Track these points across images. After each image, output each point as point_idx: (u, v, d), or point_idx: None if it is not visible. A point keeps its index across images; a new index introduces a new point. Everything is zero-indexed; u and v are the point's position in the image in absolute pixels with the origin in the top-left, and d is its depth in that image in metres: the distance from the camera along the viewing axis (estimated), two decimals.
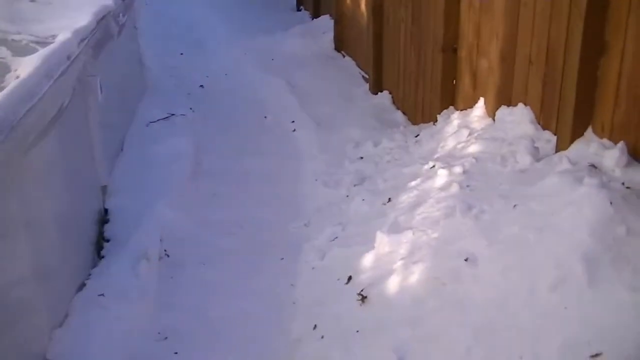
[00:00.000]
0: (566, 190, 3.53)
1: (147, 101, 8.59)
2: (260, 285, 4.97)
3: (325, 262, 4.67)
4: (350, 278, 4.20)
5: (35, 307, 3.80)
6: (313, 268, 4.73)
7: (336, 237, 4.92)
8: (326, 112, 7.99)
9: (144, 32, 10.13)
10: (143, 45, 9.68)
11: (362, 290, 3.98)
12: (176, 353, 4.25)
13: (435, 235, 3.88)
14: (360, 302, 3.94)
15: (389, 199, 4.96)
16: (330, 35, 10.94)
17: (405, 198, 4.65)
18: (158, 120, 7.81)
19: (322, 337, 4.04)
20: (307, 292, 4.55)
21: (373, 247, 4.20)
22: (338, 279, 4.27)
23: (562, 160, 3.95)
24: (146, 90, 9.02)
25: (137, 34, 9.22)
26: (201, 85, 9.60)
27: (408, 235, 4.02)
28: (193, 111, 8.35)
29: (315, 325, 4.17)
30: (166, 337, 4.38)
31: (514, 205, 3.70)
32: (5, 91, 3.56)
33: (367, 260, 4.20)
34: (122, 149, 6.90)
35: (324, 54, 10.63)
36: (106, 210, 5.72)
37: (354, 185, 5.86)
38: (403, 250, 3.93)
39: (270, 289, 4.88)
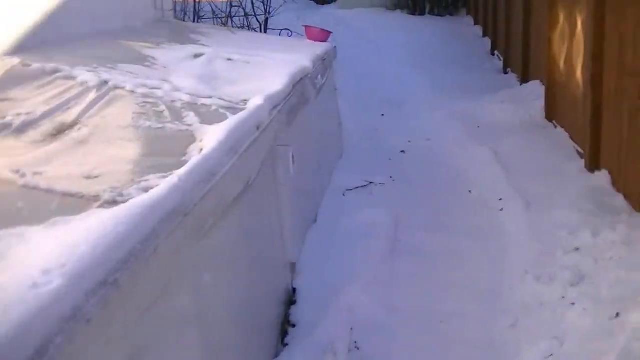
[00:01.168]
0: None
1: (345, 166, 8.24)
2: None
3: None
4: None
5: None
6: None
7: (551, 355, 4.19)
8: (536, 189, 7.21)
9: (342, 92, 9.84)
10: (340, 105, 9.37)
11: None
12: None
13: None
14: None
15: (617, 313, 4.17)
16: (540, 103, 10.17)
17: (638, 317, 3.85)
18: (355, 188, 7.40)
19: None
20: None
21: None
22: None
23: None
24: (343, 153, 8.67)
25: (336, 95, 8.90)
26: (402, 151, 9.13)
27: None
28: (393, 180, 7.86)
29: None
30: None
31: None
32: (182, 170, 3.16)
33: None
34: (315, 220, 6.49)
35: (534, 122, 9.89)
36: (294, 290, 5.28)
37: (571, 286, 5.08)
38: None
39: None
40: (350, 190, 7.38)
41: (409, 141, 9.52)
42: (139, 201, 2.78)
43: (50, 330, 2.06)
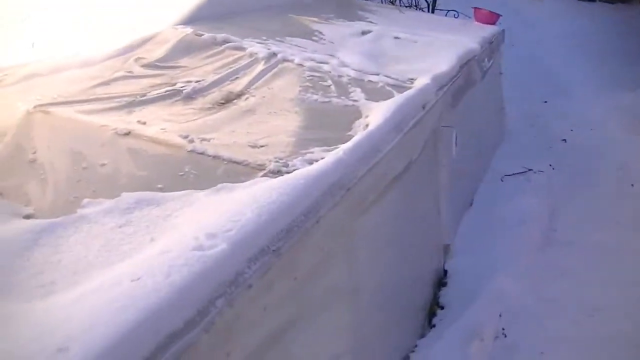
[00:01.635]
0: None
1: (504, 151, 8.03)
2: None
3: None
4: None
5: None
6: None
7: None
8: None
9: (506, 76, 9.59)
10: (504, 90, 9.15)
11: None
12: None
13: None
14: None
15: None
16: None
17: None
18: (514, 174, 7.23)
19: None
20: None
21: None
22: None
23: None
24: (504, 138, 8.48)
25: (500, 80, 8.70)
26: (564, 139, 8.83)
27: None
28: (552, 168, 7.62)
29: None
30: None
31: None
32: (348, 145, 3.17)
33: None
34: (471, 204, 6.39)
35: None
36: (445, 272, 5.22)
37: None
38: None
39: None
40: (509, 175, 7.20)
41: (571, 130, 9.17)
42: (303, 172, 2.81)
43: (212, 292, 2.11)
